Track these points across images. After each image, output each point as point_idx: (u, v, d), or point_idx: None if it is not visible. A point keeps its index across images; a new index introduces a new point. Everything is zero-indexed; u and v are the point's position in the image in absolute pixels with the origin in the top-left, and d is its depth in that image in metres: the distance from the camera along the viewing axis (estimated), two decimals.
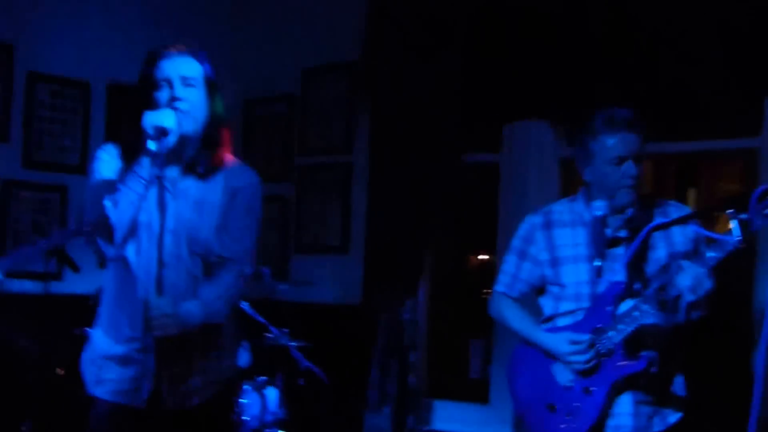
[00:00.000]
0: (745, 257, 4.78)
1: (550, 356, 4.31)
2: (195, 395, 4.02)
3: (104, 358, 4.01)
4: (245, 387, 6.63)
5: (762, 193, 3.71)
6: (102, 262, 6.06)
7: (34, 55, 7.43)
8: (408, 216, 7.25)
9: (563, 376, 4.27)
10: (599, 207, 4.16)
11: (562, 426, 4.21)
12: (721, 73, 6.06)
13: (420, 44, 7.18)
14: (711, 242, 4.00)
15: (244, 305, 6.57)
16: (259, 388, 6.69)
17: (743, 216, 3.74)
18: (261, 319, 6.74)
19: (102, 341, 4.05)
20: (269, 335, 6.70)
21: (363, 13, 7.60)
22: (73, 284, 6.67)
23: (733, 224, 3.76)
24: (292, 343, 6.68)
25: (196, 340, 3.96)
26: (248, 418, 6.63)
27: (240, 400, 6.55)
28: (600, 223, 4.15)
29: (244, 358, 6.85)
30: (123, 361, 3.96)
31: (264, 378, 6.75)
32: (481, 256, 8.55)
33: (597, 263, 4.10)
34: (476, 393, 7.52)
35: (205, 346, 4.04)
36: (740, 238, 3.75)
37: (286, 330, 6.73)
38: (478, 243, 8.20)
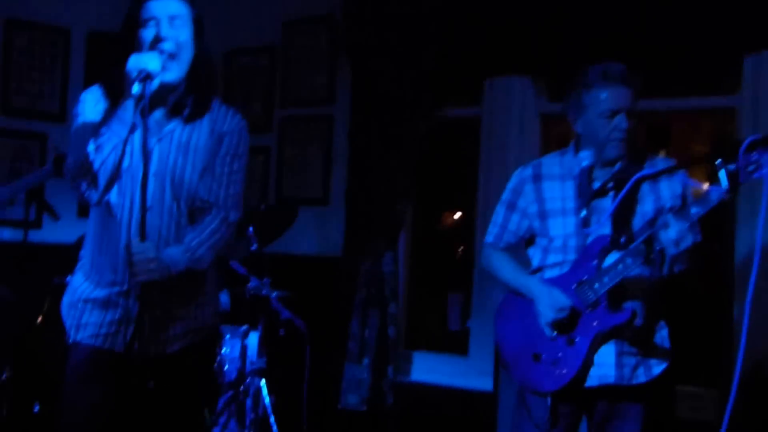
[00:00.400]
0: (725, 209, 4.76)
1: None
2: (176, 342, 4.00)
3: (85, 302, 3.97)
4: (226, 336, 6.60)
5: (750, 143, 3.68)
6: (83, 209, 6.00)
7: (13, 1, 7.37)
8: (389, 168, 7.21)
9: (550, 327, 4.25)
10: (585, 157, 4.22)
11: (547, 375, 4.22)
12: (700, 29, 6.06)
13: None
14: (697, 196, 3.99)
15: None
16: (241, 337, 6.63)
17: (731, 167, 3.70)
18: (241, 269, 6.69)
19: (83, 285, 4.01)
20: (249, 285, 6.63)
21: None
22: (53, 233, 6.65)
23: (720, 175, 3.73)
24: (273, 294, 6.61)
25: (178, 287, 3.93)
26: (228, 367, 6.60)
27: (221, 349, 6.53)
28: (586, 173, 4.20)
29: (225, 302, 6.83)
30: (104, 304, 3.93)
31: (245, 327, 6.69)
32: (458, 214, 8.53)
33: (583, 213, 4.17)
34: (455, 345, 7.55)
35: (187, 293, 4.02)
36: (727, 188, 3.71)
37: (267, 280, 6.64)
38: (458, 198, 8.20)
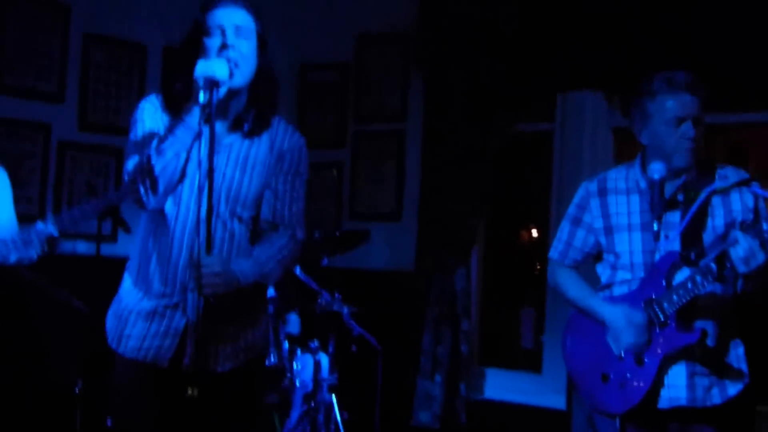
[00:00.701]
0: None
1: (605, 325, 4.21)
2: (226, 361, 3.96)
3: (130, 313, 3.93)
4: (297, 351, 6.57)
5: None
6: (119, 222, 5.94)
7: (91, 16, 7.33)
8: (461, 184, 7.17)
9: (618, 346, 4.14)
10: (657, 170, 4.03)
11: (615, 396, 4.11)
12: None
13: (474, 12, 7.09)
14: None
15: (296, 270, 6.51)
16: (311, 353, 6.60)
17: None
18: (313, 284, 6.64)
19: (130, 295, 3.97)
20: (321, 301, 6.58)
21: None
22: (126, 246, 6.65)
23: None
24: (345, 309, 6.56)
25: (228, 304, 3.82)
26: (300, 383, 6.56)
27: (292, 365, 6.50)
28: (658, 186, 4.03)
29: (295, 324, 6.82)
30: (149, 316, 3.88)
31: (316, 343, 6.64)
32: (534, 230, 8.45)
33: (655, 227, 3.99)
34: (528, 362, 7.50)
35: (239, 312, 3.96)
36: None
37: (338, 296, 6.61)
38: (532, 213, 8.09)
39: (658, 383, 4.05)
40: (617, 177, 4.37)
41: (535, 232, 8.45)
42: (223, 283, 3.66)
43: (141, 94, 7.36)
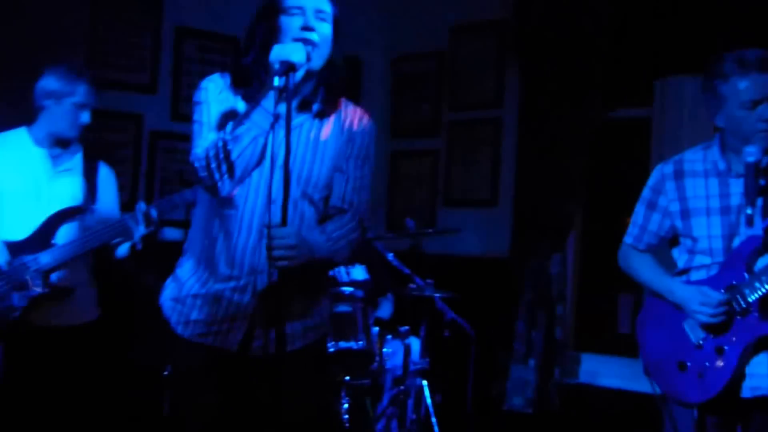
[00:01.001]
0: None
1: (682, 311, 4.08)
2: (296, 340, 3.90)
3: (194, 297, 3.88)
4: (387, 337, 6.55)
5: None
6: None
7: (182, 9, 7.44)
8: (558, 170, 7.12)
9: (695, 333, 4.04)
10: (752, 152, 3.88)
11: (693, 386, 4.00)
12: None
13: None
14: None
15: (389, 256, 6.53)
16: (401, 338, 6.57)
17: None
18: (406, 269, 6.62)
19: (191, 280, 3.91)
20: (413, 286, 6.56)
21: None
22: None
23: None
24: (437, 294, 6.51)
25: (296, 283, 3.80)
26: (390, 368, 6.56)
27: (383, 349, 6.47)
28: (752, 169, 3.87)
29: (386, 309, 6.84)
30: (216, 300, 3.82)
31: (406, 328, 6.63)
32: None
33: (748, 211, 3.82)
34: (625, 347, 7.28)
35: (306, 290, 3.93)
36: None
37: (430, 281, 6.55)
38: (631, 200, 7.88)
39: (739, 373, 3.91)
40: (694, 159, 4.22)
41: None
42: (298, 255, 3.61)
43: None
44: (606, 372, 7.31)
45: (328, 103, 3.86)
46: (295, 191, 3.76)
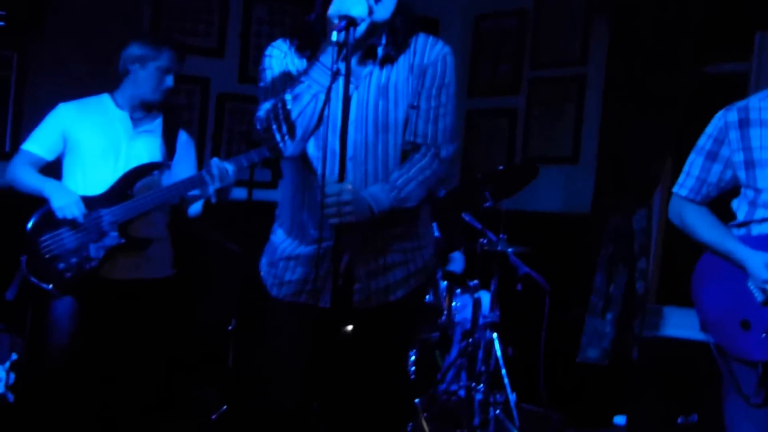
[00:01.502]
0: None
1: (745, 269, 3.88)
2: (399, 288, 3.84)
3: (287, 259, 3.86)
4: (457, 291, 6.51)
5: None
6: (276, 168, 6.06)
7: None
8: (644, 127, 6.97)
9: (762, 293, 3.83)
10: None
11: (758, 343, 3.80)
12: None
13: None
14: None
15: (465, 215, 6.51)
16: (472, 292, 6.54)
17: None
18: (478, 225, 6.59)
19: (284, 243, 3.90)
20: (484, 240, 6.51)
21: None
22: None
23: None
24: (510, 249, 6.47)
25: (391, 231, 3.78)
26: (459, 321, 6.56)
27: (453, 303, 6.46)
28: None
29: (458, 263, 6.87)
30: (309, 260, 3.79)
31: (476, 282, 6.59)
32: None
33: None
34: None
35: (402, 237, 3.84)
36: None
37: (503, 236, 6.50)
38: None
39: None
40: (762, 107, 3.90)
41: None
42: (354, 212, 3.51)
43: None
44: (689, 324, 7.00)
45: (392, 47, 3.72)
46: (373, 141, 3.71)
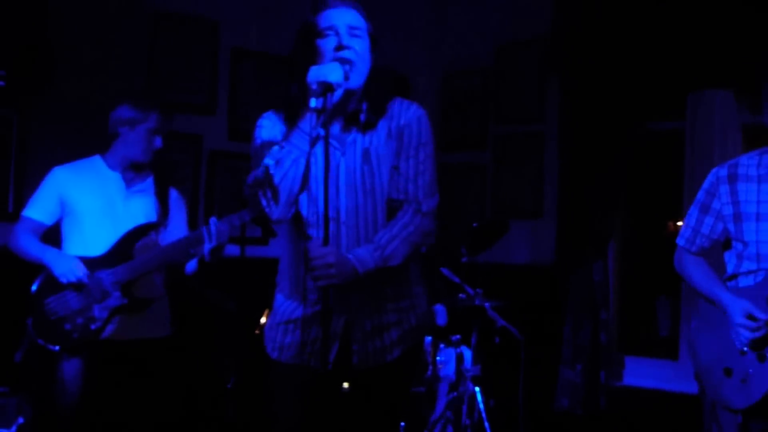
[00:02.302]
0: None
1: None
2: (395, 348, 3.81)
3: (287, 323, 3.82)
4: (441, 345, 6.57)
5: None
6: (266, 227, 6.07)
7: (238, 32, 7.45)
8: (597, 181, 7.12)
9: (740, 339, 3.92)
10: None
11: (737, 392, 3.90)
12: None
13: (606, 17, 7.04)
14: None
15: (444, 270, 6.52)
16: (455, 346, 6.58)
17: None
18: (456, 279, 6.60)
19: (284, 306, 3.86)
20: (463, 296, 6.56)
21: None
22: (274, 249, 6.74)
23: None
24: (487, 303, 6.50)
25: (384, 292, 3.75)
26: (444, 374, 6.58)
27: (437, 357, 6.51)
28: None
29: (442, 316, 6.77)
30: (308, 323, 3.73)
31: (458, 336, 6.62)
32: (679, 222, 8.32)
33: None
34: (666, 350, 7.38)
35: (393, 297, 3.80)
36: None
37: (480, 290, 6.55)
38: (669, 208, 7.86)
39: None
40: (749, 164, 4.07)
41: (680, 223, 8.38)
42: (338, 274, 3.47)
43: None
44: (648, 374, 7.29)
45: (372, 114, 3.74)
46: (363, 203, 3.70)
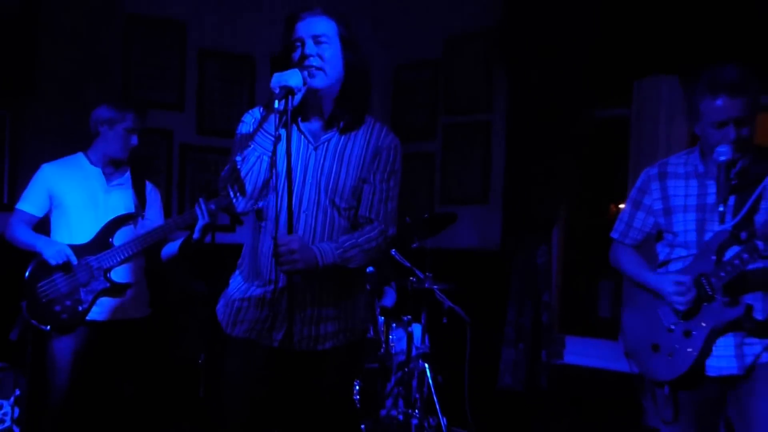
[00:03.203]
0: None
1: (658, 298, 4.24)
2: (327, 340, 4.09)
3: (241, 301, 4.11)
4: (393, 325, 6.86)
5: None
6: (233, 215, 6.44)
7: (204, 33, 7.70)
8: (543, 168, 7.32)
9: (668, 318, 4.21)
10: (723, 152, 3.98)
11: (664, 365, 4.18)
12: None
13: (554, 8, 7.22)
14: None
15: (392, 251, 6.78)
16: (405, 326, 6.87)
17: None
18: (407, 263, 6.90)
19: (240, 287, 4.15)
20: (413, 279, 6.84)
21: None
22: (242, 236, 7.06)
23: None
24: (436, 286, 6.80)
25: (329, 288, 4.04)
26: (396, 352, 6.90)
27: (390, 336, 6.81)
28: (724, 168, 3.98)
29: (390, 297, 7.17)
30: (259, 302, 4.04)
31: (409, 317, 6.91)
32: (621, 205, 8.39)
33: (720, 209, 3.99)
34: (605, 330, 7.48)
35: (339, 294, 4.10)
36: None
37: (429, 274, 6.84)
38: (614, 194, 7.89)
39: (705, 354, 4.06)
40: (677, 162, 4.33)
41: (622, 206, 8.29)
42: (301, 260, 3.77)
43: (251, 100, 7.71)
44: (588, 353, 7.46)
45: (352, 119, 4.03)
46: (324, 200, 3.99)
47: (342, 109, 4.03)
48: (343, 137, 4.06)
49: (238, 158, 3.85)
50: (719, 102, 3.98)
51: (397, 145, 4.15)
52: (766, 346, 4.10)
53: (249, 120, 4.09)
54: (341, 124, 4.04)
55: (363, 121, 4.10)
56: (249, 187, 3.85)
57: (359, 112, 4.08)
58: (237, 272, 4.26)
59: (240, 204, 3.92)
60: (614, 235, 4.60)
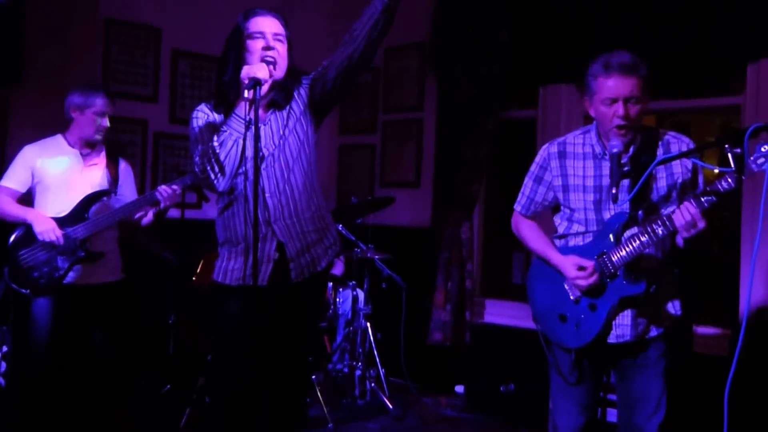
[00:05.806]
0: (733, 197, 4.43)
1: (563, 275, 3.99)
2: (321, 259, 3.98)
3: (231, 253, 3.93)
4: (340, 289, 6.78)
5: (754, 129, 3.38)
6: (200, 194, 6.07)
7: (177, 36, 7.46)
8: (465, 159, 7.18)
9: (573, 291, 3.93)
10: (615, 145, 3.73)
11: (571, 334, 3.92)
12: (710, 42, 5.88)
13: (475, 25, 7.08)
14: (709, 177, 3.74)
15: (340, 227, 6.56)
16: (350, 290, 6.83)
17: (737, 150, 3.40)
18: (352, 237, 6.79)
19: (225, 251, 3.98)
20: (357, 251, 6.75)
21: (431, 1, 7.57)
22: (207, 212, 6.78)
23: (730, 157, 3.43)
24: (377, 256, 6.71)
25: (305, 216, 3.92)
26: (342, 312, 6.82)
27: (337, 299, 6.72)
28: (616, 158, 3.72)
29: (339, 267, 6.99)
30: (245, 251, 3.87)
31: (353, 282, 6.88)
32: None
33: (613, 191, 3.70)
34: (519, 294, 7.25)
35: (314, 218, 3.96)
36: (734, 170, 3.41)
37: (371, 246, 6.80)
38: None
39: (607, 325, 3.83)
40: (575, 142, 3.98)
41: None
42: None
43: None
44: (504, 313, 7.39)
45: (285, 100, 3.91)
46: (283, 165, 3.87)
47: (280, 96, 3.90)
48: (280, 113, 3.93)
49: (215, 143, 3.69)
50: (611, 81, 3.70)
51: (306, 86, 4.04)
52: (653, 321, 3.88)
53: (201, 114, 3.93)
54: (279, 105, 3.93)
55: (292, 97, 3.96)
56: (228, 168, 3.71)
57: (290, 93, 3.95)
58: (223, 247, 4.03)
59: (221, 184, 3.76)
60: (516, 207, 4.20)
